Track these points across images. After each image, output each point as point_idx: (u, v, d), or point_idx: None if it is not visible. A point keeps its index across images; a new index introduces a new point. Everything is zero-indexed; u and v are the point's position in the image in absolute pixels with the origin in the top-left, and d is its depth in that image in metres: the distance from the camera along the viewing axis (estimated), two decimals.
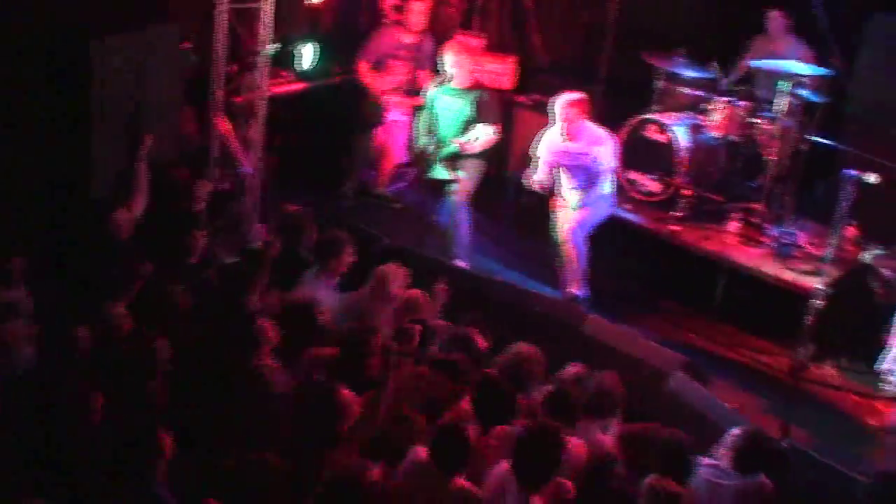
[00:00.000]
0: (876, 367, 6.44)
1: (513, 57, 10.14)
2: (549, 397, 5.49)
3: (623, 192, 8.64)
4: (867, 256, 6.87)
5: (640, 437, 5.24)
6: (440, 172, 8.35)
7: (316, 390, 5.19)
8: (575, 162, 7.87)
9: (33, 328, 5.46)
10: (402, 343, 5.54)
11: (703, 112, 8.94)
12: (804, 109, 8.73)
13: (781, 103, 8.46)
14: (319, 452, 4.88)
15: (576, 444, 5.18)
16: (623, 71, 9.76)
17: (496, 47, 10.34)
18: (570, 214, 7.93)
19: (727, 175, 9.03)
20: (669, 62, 9.03)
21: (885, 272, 6.91)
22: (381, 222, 8.76)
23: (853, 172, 6.64)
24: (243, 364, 5.39)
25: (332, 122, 9.49)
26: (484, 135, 8.02)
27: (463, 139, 8.06)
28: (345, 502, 4.48)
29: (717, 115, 8.77)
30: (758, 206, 8.71)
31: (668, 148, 8.74)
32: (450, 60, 8.19)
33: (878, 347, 6.59)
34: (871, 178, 6.69)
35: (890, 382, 6.33)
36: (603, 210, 8.01)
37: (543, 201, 8.29)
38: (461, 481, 4.81)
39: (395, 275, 6.49)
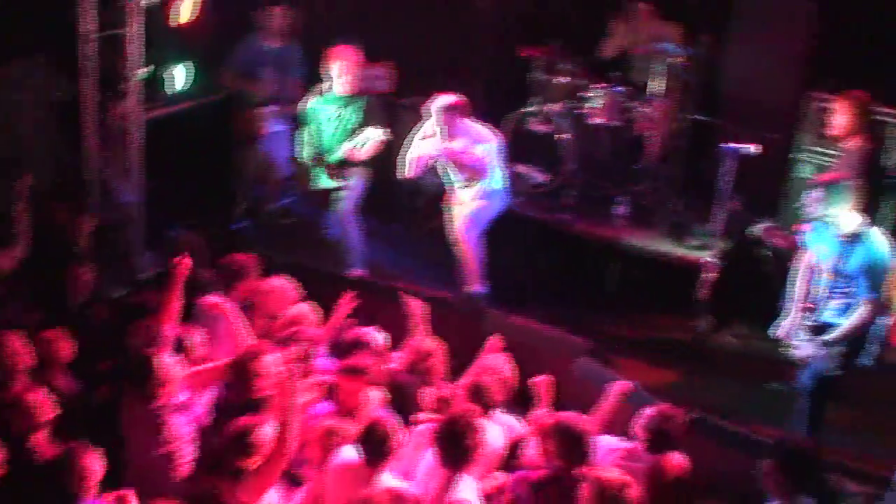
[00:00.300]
0: (771, 333, 6.56)
1: (388, 61, 10.12)
2: (469, 387, 5.58)
3: (512, 185, 8.66)
4: (756, 229, 7.00)
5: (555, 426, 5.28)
6: (327, 182, 8.28)
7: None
8: (460, 160, 7.87)
9: None
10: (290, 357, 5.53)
11: (583, 100, 9.02)
12: (680, 89, 8.88)
13: (657, 85, 8.60)
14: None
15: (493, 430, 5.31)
16: (500, 66, 9.81)
17: (369, 52, 10.29)
18: (462, 212, 7.93)
19: (612, 160, 9.12)
20: (545, 54, 9.09)
21: (775, 241, 7.05)
22: (274, 239, 8.66)
23: (732, 146, 6.75)
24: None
25: (213, 140, 9.33)
26: (372, 139, 7.98)
27: (350, 145, 8.02)
28: None
29: (597, 102, 8.85)
30: (644, 188, 8.82)
31: (551, 139, 8.81)
32: (334, 68, 8.14)
33: (774, 314, 6.71)
34: (751, 149, 6.82)
35: (788, 346, 6.45)
36: (495, 205, 8.03)
37: (435, 201, 8.29)
38: (388, 475, 4.98)
39: (282, 290, 6.42)
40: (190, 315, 6.34)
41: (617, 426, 5.76)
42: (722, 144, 6.84)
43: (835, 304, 6.27)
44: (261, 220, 9.39)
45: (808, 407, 6.41)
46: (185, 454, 5.40)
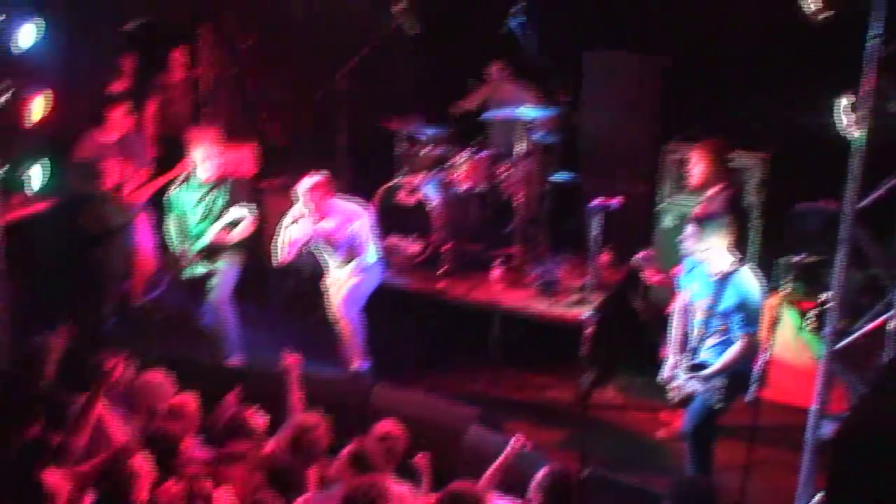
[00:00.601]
0: (658, 379, 6.68)
1: (249, 143, 10.09)
2: (351, 454, 5.46)
3: (387, 258, 8.67)
4: (636, 260, 7.13)
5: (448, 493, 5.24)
6: (198, 270, 8.15)
7: None
8: (333, 239, 7.86)
9: None
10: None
11: (448, 168, 9.12)
12: (542, 150, 9.07)
13: (519, 148, 8.76)
14: None
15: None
16: (363, 141, 9.88)
17: (230, 136, 10.26)
18: (340, 289, 7.90)
19: (482, 224, 9.24)
20: (407, 125, 9.18)
21: (651, 276, 7.19)
22: (147, 333, 8.45)
23: (598, 202, 6.90)
24: None
25: (74, 238, 9.09)
26: (240, 221, 7.90)
27: (218, 228, 7.92)
28: None
29: (462, 168, 8.96)
30: (515, 250, 8.93)
31: (421, 208, 8.86)
32: (198, 155, 8.06)
33: (655, 360, 6.84)
34: (615, 203, 6.97)
35: (671, 391, 6.57)
36: (371, 280, 8.03)
37: (309, 281, 8.24)
38: None
39: (159, 385, 6.26)
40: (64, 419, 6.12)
41: (512, 489, 5.74)
42: (589, 201, 6.96)
43: (711, 342, 6.40)
44: (131, 314, 9.17)
45: (693, 447, 6.50)
46: None
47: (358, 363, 7.99)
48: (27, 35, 7.10)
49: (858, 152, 5.30)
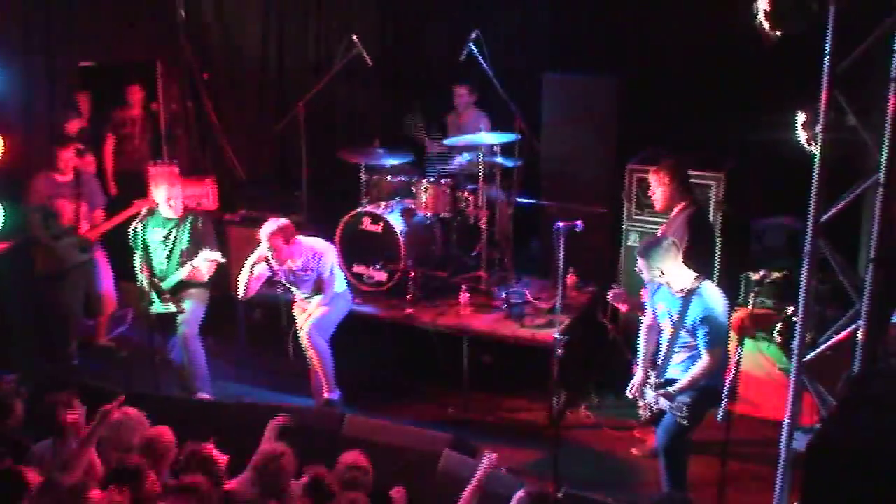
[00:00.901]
0: (627, 395, 6.73)
1: (210, 177, 10.08)
2: (308, 483, 5.43)
3: (353, 287, 8.68)
4: (611, 295, 7.19)
5: None
6: (163, 307, 8.11)
7: None
8: (298, 278, 7.87)
9: None
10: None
11: (410, 195, 9.15)
12: (502, 175, 9.13)
13: (480, 173, 8.80)
14: None
15: None
16: (326, 170, 9.90)
17: (190, 171, 10.27)
18: (308, 320, 7.89)
19: (446, 250, 9.26)
20: (367, 155, 9.19)
21: (621, 306, 7.25)
22: (113, 374, 8.38)
23: (562, 224, 6.94)
24: None
25: (32, 280, 9.01)
26: (208, 259, 7.88)
27: (187, 270, 7.90)
28: None
29: (424, 195, 8.99)
30: (481, 274, 8.96)
31: (385, 236, 8.87)
32: (162, 193, 8.05)
33: (626, 379, 6.89)
34: (578, 225, 7.02)
35: (641, 409, 6.62)
36: (339, 309, 8.03)
37: (275, 313, 8.23)
38: None
39: (130, 422, 6.22)
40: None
41: None
42: (554, 224, 7.00)
43: (678, 359, 6.46)
44: (96, 354, 9.10)
45: (667, 463, 6.55)
46: None
47: (328, 393, 7.97)
48: None
49: (818, 166, 5.38)
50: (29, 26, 8.99)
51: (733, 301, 7.85)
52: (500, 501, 5.58)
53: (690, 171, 7.63)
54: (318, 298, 7.92)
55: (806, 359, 5.68)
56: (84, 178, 8.96)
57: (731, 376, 6.22)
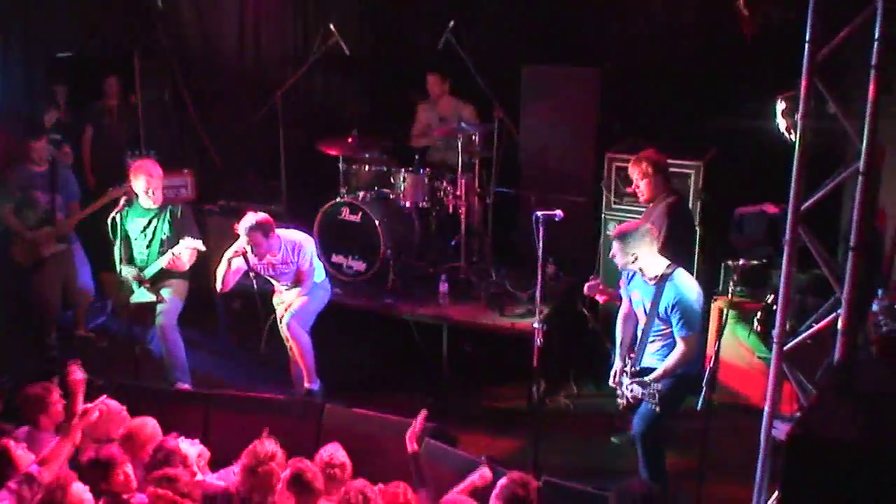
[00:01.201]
0: (609, 384, 6.73)
1: (188, 168, 10.03)
2: (290, 478, 5.41)
3: (333, 277, 8.65)
4: (586, 287, 7.19)
5: None
6: (143, 296, 8.08)
7: None
8: (277, 271, 7.85)
9: None
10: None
11: (389, 185, 9.12)
12: (481, 164, 9.11)
13: (458, 163, 8.78)
14: None
15: None
16: (304, 160, 9.86)
17: (168, 161, 10.19)
18: (287, 311, 7.87)
19: (425, 240, 9.25)
20: (345, 145, 9.15)
21: (599, 298, 7.26)
22: (92, 363, 8.32)
23: (541, 213, 6.93)
24: None
25: (7, 271, 8.95)
26: (189, 247, 7.84)
27: (167, 258, 7.86)
28: None
29: (402, 185, 8.97)
30: (460, 264, 8.95)
31: (364, 226, 8.84)
32: (140, 183, 8.01)
33: (605, 368, 6.91)
34: (557, 214, 7.01)
35: (621, 396, 6.62)
36: (319, 300, 8.01)
37: (254, 304, 8.19)
38: None
39: (110, 413, 6.18)
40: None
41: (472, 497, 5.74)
42: (534, 212, 6.99)
43: (654, 347, 6.49)
44: (75, 345, 9.05)
45: (645, 451, 6.56)
46: None
47: (308, 383, 7.95)
48: None
49: (798, 154, 5.39)
50: (5, 17, 8.91)
51: (713, 290, 7.89)
52: (482, 488, 5.60)
53: (670, 160, 7.64)
54: (297, 289, 7.89)
55: (786, 347, 5.67)
56: (58, 169, 8.91)
57: (711, 365, 6.24)
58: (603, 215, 8.49)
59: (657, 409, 6.31)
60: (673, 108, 8.72)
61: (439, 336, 8.30)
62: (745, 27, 5.86)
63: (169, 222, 8.05)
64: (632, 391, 6.47)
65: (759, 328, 7.47)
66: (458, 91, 9.63)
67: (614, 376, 6.68)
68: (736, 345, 7.80)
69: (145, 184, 8.03)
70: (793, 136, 5.51)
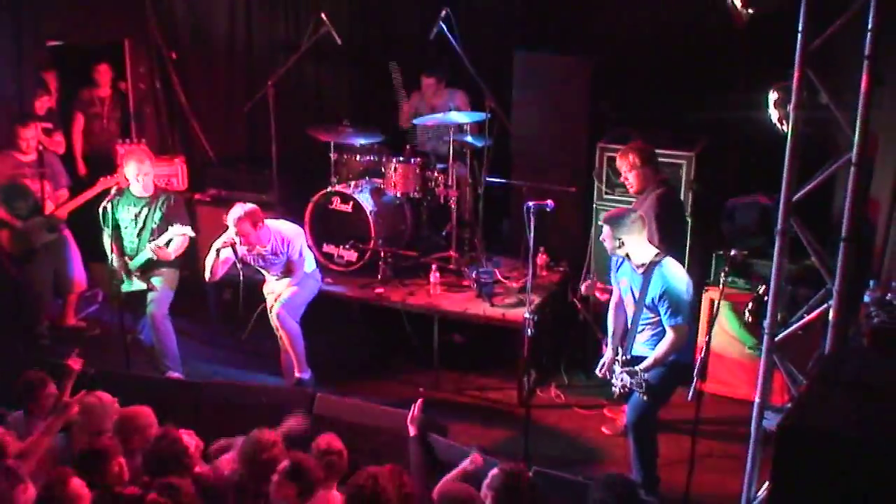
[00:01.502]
0: (597, 374, 6.74)
1: (179, 157, 10.02)
2: (287, 469, 5.37)
3: (323, 267, 8.63)
4: (581, 288, 7.20)
5: None
6: (134, 285, 8.06)
7: None
8: (267, 261, 7.84)
9: None
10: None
11: (380, 175, 9.10)
12: (472, 154, 9.09)
13: (450, 153, 8.77)
14: None
15: None
16: (295, 150, 9.83)
17: (159, 150, 10.19)
18: (278, 300, 7.86)
19: (416, 230, 9.25)
20: (336, 135, 9.14)
21: (598, 295, 7.27)
22: (83, 352, 8.30)
23: (532, 203, 6.93)
24: None
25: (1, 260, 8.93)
26: (179, 236, 7.82)
27: (156, 244, 7.84)
28: None
29: (394, 175, 8.94)
30: (451, 254, 8.94)
31: (355, 216, 8.83)
32: (131, 171, 7.99)
33: (596, 358, 6.91)
34: (549, 204, 7.01)
35: (614, 385, 6.62)
36: (309, 289, 8.00)
37: (245, 293, 8.18)
38: None
39: (103, 404, 6.16)
40: None
41: None
42: (525, 203, 6.98)
43: (644, 336, 6.50)
44: (65, 335, 9.03)
45: (636, 441, 6.57)
46: None
47: (299, 372, 7.94)
48: None
49: (790, 145, 5.39)
50: None
51: (704, 280, 7.90)
52: (471, 479, 5.59)
53: (661, 151, 7.64)
54: (287, 280, 7.88)
55: (777, 338, 5.69)
56: (47, 158, 8.88)
57: (702, 355, 6.25)
58: (595, 205, 8.48)
59: (644, 397, 6.32)
60: (665, 98, 8.70)
61: (430, 326, 8.29)
62: (736, 17, 5.84)
63: (161, 210, 8.04)
64: (622, 380, 6.48)
65: (750, 319, 7.47)
66: (449, 80, 9.61)
67: (602, 367, 6.69)
68: (727, 335, 7.81)
69: (136, 172, 8.02)
70: (785, 127, 5.52)
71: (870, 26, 5.02)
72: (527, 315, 7.11)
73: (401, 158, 8.99)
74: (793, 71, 5.31)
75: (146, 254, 7.96)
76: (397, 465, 5.52)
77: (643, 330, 6.49)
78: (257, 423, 6.17)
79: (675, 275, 6.33)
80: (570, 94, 8.97)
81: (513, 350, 7.87)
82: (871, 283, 5.99)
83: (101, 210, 7.77)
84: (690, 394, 6.14)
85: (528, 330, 7.09)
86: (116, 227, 7.98)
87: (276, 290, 7.93)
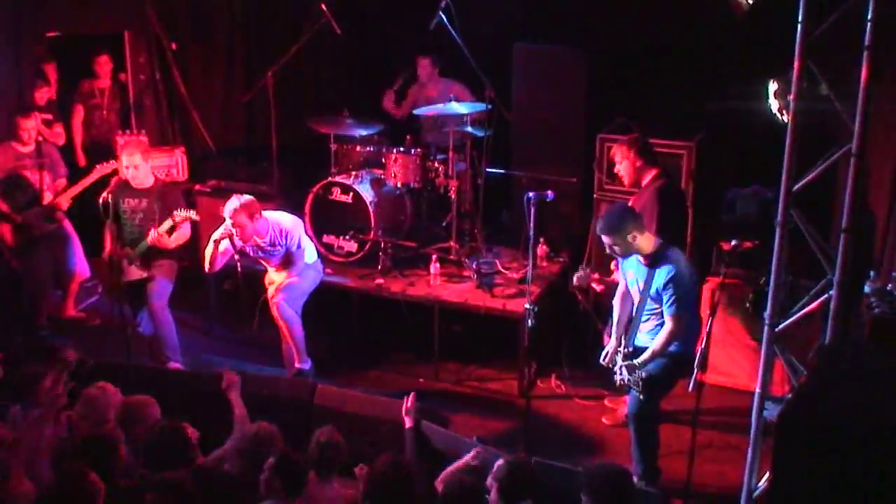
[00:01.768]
0: (601, 363, 6.73)
1: (179, 148, 10.01)
2: (275, 462, 5.37)
3: (323, 258, 8.63)
4: (576, 278, 7.20)
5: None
6: (134, 274, 8.06)
7: None
8: (266, 253, 7.83)
9: None
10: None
11: (380, 166, 9.09)
12: (472, 145, 9.09)
13: (449, 144, 8.76)
14: None
15: None
16: (295, 140, 9.83)
17: (159, 141, 10.19)
18: (278, 291, 7.85)
19: (416, 221, 9.24)
20: (336, 125, 9.13)
21: (595, 286, 7.28)
22: (83, 343, 8.32)
23: (533, 194, 6.92)
24: None
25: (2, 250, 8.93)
26: (182, 224, 7.82)
27: (157, 233, 7.84)
28: None
29: (394, 166, 8.94)
30: (451, 245, 8.94)
31: (355, 206, 8.82)
32: (131, 162, 7.99)
33: (597, 349, 6.92)
34: (549, 195, 7.00)
35: (616, 375, 6.61)
36: (310, 280, 8.00)
37: (246, 283, 8.19)
38: None
39: (105, 394, 6.17)
40: None
41: None
42: (525, 193, 6.97)
43: (647, 326, 6.50)
44: (66, 325, 9.03)
45: (637, 432, 6.57)
46: None
47: (299, 363, 7.95)
48: None
49: (790, 136, 5.39)
50: None
51: (705, 271, 7.90)
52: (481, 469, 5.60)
53: (661, 141, 7.63)
54: (287, 271, 7.88)
55: (777, 329, 5.69)
56: (46, 149, 8.88)
57: (702, 346, 6.24)
58: (595, 196, 8.48)
59: (640, 395, 6.32)
60: (665, 88, 8.69)
61: (430, 317, 8.29)
62: (735, 7, 5.84)
63: (159, 201, 8.03)
64: (621, 373, 6.47)
65: (750, 309, 7.48)
66: (448, 71, 9.61)
67: (606, 356, 6.69)
68: (728, 326, 7.81)
69: (136, 162, 8.00)
70: (785, 118, 5.51)
71: (870, 16, 5.01)
72: (527, 306, 7.10)
73: (401, 149, 8.99)
74: (793, 61, 5.30)
75: (146, 243, 7.95)
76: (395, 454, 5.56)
77: (647, 320, 6.49)
78: (256, 414, 6.24)
79: (680, 265, 6.31)
80: (570, 84, 8.97)
81: (513, 341, 7.87)
82: (872, 273, 6.00)
83: (101, 201, 7.76)
84: (691, 384, 6.13)
85: (529, 320, 7.08)
86: (117, 219, 7.97)
87: (277, 281, 7.93)
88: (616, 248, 6.41)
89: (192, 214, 7.94)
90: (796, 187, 5.44)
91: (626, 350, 6.50)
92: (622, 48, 9.00)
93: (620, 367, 6.47)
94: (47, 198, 8.76)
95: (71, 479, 5.04)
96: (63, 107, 10.04)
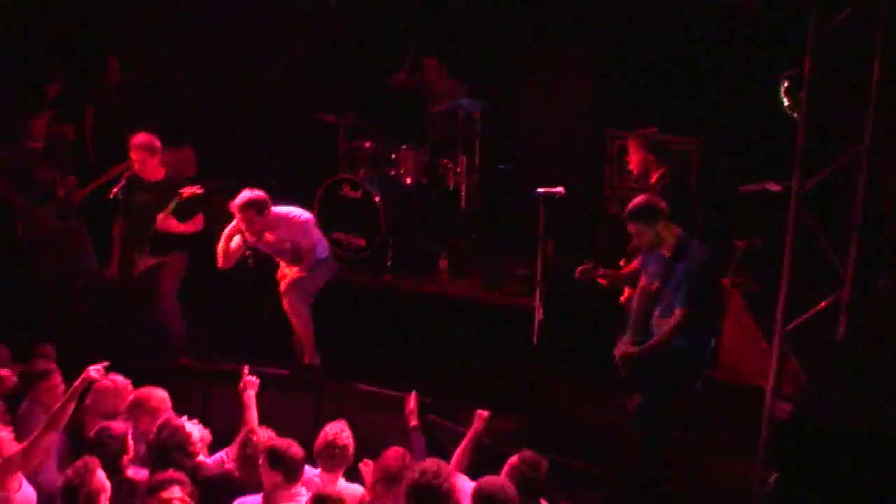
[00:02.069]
0: (614, 353, 6.71)
1: (189, 145, 10.01)
2: (267, 452, 5.34)
3: (332, 253, 8.63)
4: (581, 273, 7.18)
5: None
6: (145, 264, 8.08)
7: None
8: (276, 249, 7.82)
9: None
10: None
11: (389, 163, 9.09)
12: (481, 142, 9.06)
13: (458, 141, 8.76)
14: None
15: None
16: (304, 138, 9.83)
17: (168, 138, 10.17)
18: (289, 286, 7.85)
19: (425, 216, 9.24)
20: (345, 122, 9.13)
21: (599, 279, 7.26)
22: (92, 340, 8.34)
23: (542, 190, 6.91)
24: None
25: (10, 248, 8.95)
26: (187, 194, 7.82)
27: (167, 218, 7.84)
28: None
29: (403, 162, 8.94)
30: (459, 241, 8.93)
31: (364, 203, 8.83)
32: (139, 158, 8.00)
33: (609, 342, 6.88)
34: (559, 191, 7.00)
35: (626, 370, 6.57)
36: (320, 276, 7.98)
37: (257, 278, 8.20)
38: None
39: (116, 388, 6.18)
40: None
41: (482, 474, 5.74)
42: (530, 191, 6.97)
43: (664, 322, 6.44)
44: (78, 318, 9.04)
45: (640, 430, 6.56)
46: None
47: (309, 359, 7.95)
48: None
49: (801, 133, 5.38)
50: None
51: (717, 270, 7.87)
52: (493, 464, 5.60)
53: (670, 139, 7.63)
54: (298, 266, 7.87)
55: (789, 327, 5.69)
56: (56, 145, 8.88)
57: (712, 343, 6.23)
58: (605, 192, 8.47)
59: (647, 399, 6.30)
60: (675, 84, 8.67)
61: (438, 313, 8.29)
62: (747, 4, 5.85)
63: (169, 198, 8.02)
64: (630, 368, 6.45)
65: (761, 308, 7.47)
66: (454, 70, 9.61)
67: (621, 350, 6.64)
68: (739, 324, 7.79)
69: (146, 159, 8.00)
70: (796, 115, 5.50)
71: (881, 14, 5.00)
72: (535, 302, 7.11)
73: (410, 146, 8.98)
74: (805, 58, 5.29)
75: (156, 226, 7.92)
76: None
77: (667, 316, 6.42)
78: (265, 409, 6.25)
79: (701, 260, 6.28)
80: (576, 82, 8.98)
81: (521, 337, 7.85)
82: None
83: (112, 197, 7.78)
84: (700, 382, 6.12)
85: (537, 317, 7.08)
86: (128, 213, 7.98)
87: (289, 276, 7.91)
88: (643, 236, 6.38)
89: (198, 189, 7.91)
90: (808, 185, 5.43)
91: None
92: (631, 44, 8.98)
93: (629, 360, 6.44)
94: (60, 195, 8.76)
95: (78, 474, 5.06)
96: (73, 103, 10.05)
